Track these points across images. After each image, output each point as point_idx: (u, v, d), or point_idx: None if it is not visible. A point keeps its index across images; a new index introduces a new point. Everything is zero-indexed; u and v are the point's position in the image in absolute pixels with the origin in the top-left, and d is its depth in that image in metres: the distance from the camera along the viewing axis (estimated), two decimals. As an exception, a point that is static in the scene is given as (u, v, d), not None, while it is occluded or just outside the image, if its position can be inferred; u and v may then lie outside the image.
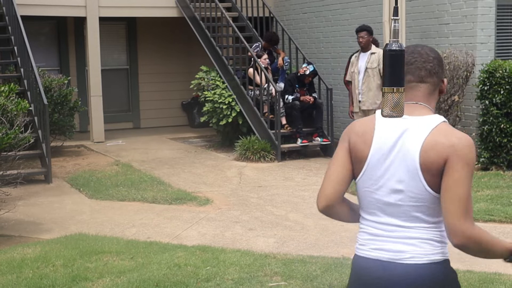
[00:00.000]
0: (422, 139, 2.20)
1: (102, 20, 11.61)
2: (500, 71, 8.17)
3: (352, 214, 2.45)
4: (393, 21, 2.36)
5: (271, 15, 11.98)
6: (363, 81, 8.67)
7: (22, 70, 9.72)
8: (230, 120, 10.52)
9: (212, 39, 11.38)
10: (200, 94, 11.06)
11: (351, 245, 5.85)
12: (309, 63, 10.45)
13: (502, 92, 8.17)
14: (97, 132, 11.61)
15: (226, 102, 10.50)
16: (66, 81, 10.70)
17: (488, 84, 8.31)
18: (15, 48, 9.99)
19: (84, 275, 4.96)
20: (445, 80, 2.39)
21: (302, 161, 9.91)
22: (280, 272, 4.98)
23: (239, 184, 8.43)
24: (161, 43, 13.62)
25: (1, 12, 10.41)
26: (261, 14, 12.00)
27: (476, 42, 8.76)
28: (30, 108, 8.94)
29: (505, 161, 8.28)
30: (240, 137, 10.27)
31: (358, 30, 8.76)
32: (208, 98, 10.63)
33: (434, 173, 2.18)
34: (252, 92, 10.46)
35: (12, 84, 7.81)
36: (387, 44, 2.29)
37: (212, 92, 10.67)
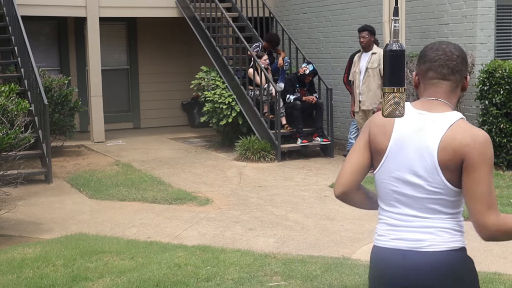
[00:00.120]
0: (440, 136, 2.26)
1: (103, 20, 11.62)
2: (500, 71, 8.18)
3: (368, 201, 2.51)
4: (393, 21, 2.37)
5: (271, 15, 11.99)
6: (363, 81, 8.68)
7: (22, 70, 9.73)
8: (230, 120, 10.53)
9: (212, 39, 11.38)
10: (200, 94, 11.07)
11: (351, 245, 5.87)
12: (308, 63, 10.47)
13: (501, 92, 8.18)
14: (98, 132, 11.62)
15: (226, 102, 10.51)
16: (66, 81, 10.71)
17: (487, 84, 8.33)
18: (16, 48, 10.00)
19: (85, 275, 4.97)
20: (468, 77, 2.42)
21: (302, 161, 9.91)
22: (280, 272, 4.99)
23: (239, 184, 8.43)
24: (161, 43, 13.63)
25: (1, 12, 10.42)
26: (261, 14, 12.01)
27: (475, 42, 8.77)
28: (31, 108, 8.95)
29: (504, 161, 8.29)
30: (240, 137, 10.28)
31: (360, 30, 8.77)
32: (208, 98, 10.64)
33: (453, 169, 2.24)
34: (252, 92, 10.47)
35: (12, 84, 7.82)
36: (387, 45, 2.30)
37: (212, 92, 10.68)
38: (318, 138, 10.21)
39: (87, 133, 12.13)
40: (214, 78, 10.92)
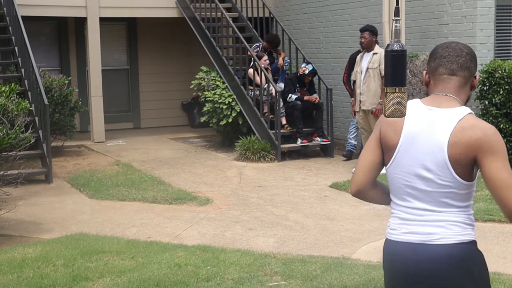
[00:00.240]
0: (449, 131, 2.32)
1: (103, 20, 11.63)
2: (500, 71, 8.19)
3: (386, 197, 2.57)
4: (394, 21, 2.39)
5: (271, 16, 12.00)
6: (364, 81, 8.68)
7: (22, 70, 9.73)
8: (230, 120, 10.54)
9: (212, 40, 11.39)
10: (200, 94, 11.07)
11: (351, 245, 5.88)
12: (308, 63, 10.48)
13: (501, 92, 8.19)
14: (98, 132, 11.63)
15: (226, 102, 10.52)
16: (66, 81, 10.71)
17: (487, 84, 8.33)
18: (16, 48, 10.01)
19: (85, 274, 4.98)
20: (477, 76, 2.49)
21: (302, 161, 9.92)
22: (280, 272, 4.99)
23: (239, 184, 8.44)
24: (162, 43, 13.64)
25: (1, 12, 10.43)
26: (261, 15, 12.02)
27: (475, 42, 8.77)
28: (31, 108, 8.96)
29: (504, 161, 8.29)
30: (240, 137, 10.29)
31: (361, 30, 8.77)
32: (208, 98, 10.65)
33: (463, 163, 2.31)
34: (252, 92, 10.48)
35: (13, 84, 7.82)
36: (388, 45, 2.32)
37: (212, 92, 10.69)
38: (318, 138, 10.22)
39: (87, 133, 12.14)
40: (214, 78, 10.93)
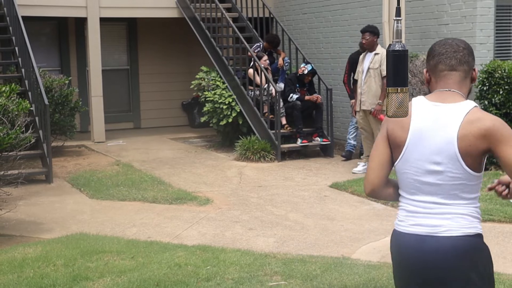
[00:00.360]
0: (457, 124, 2.38)
1: (103, 20, 11.64)
2: (499, 72, 8.20)
3: (398, 192, 2.63)
4: (395, 21, 2.40)
5: (271, 16, 12.01)
6: (364, 81, 8.69)
7: (23, 70, 9.74)
8: (230, 120, 10.55)
9: (212, 40, 11.40)
10: (200, 94, 11.08)
11: (351, 245, 5.89)
12: (307, 63, 10.50)
13: (501, 92, 8.19)
14: (98, 132, 11.64)
15: (226, 102, 10.53)
16: (67, 82, 10.72)
17: (487, 84, 8.34)
18: (16, 48, 10.02)
19: (85, 274, 4.98)
20: (476, 69, 2.55)
21: (302, 161, 9.93)
22: (280, 272, 5.00)
23: (239, 184, 8.45)
24: (162, 43, 13.65)
25: (2, 12, 10.44)
26: (261, 15, 12.03)
27: (475, 42, 8.78)
28: (31, 108, 8.97)
29: (504, 161, 8.30)
30: (240, 137, 10.29)
31: (362, 31, 8.77)
32: (208, 98, 10.66)
33: (474, 154, 2.38)
34: (252, 92, 10.49)
35: (13, 84, 7.83)
36: (390, 45, 2.33)
37: (212, 92, 10.70)
38: (318, 138, 10.23)
39: (87, 133, 12.15)
40: (214, 78, 10.93)
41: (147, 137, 12.31)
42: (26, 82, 9.57)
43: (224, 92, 10.67)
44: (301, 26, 12.26)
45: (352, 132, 9.98)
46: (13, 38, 10.11)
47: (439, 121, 2.43)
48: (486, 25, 8.81)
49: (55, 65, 12.87)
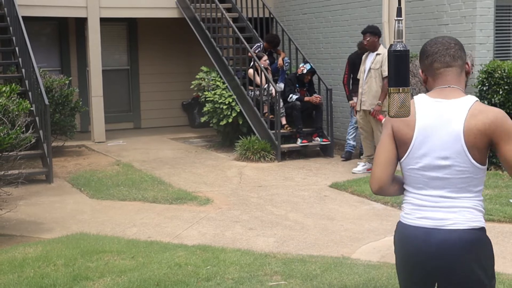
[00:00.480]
0: (462, 119, 2.45)
1: (103, 20, 11.65)
2: (499, 72, 8.21)
3: (402, 188, 2.69)
4: (396, 22, 2.41)
5: (271, 16, 12.01)
6: (365, 81, 8.70)
7: (23, 70, 9.75)
8: (230, 120, 10.56)
9: (212, 40, 11.41)
10: (200, 94, 11.10)
11: (350, 245, 5.90)
12: (305, 62, 10.51)
13: (501, 92, 8.20)
14: (98, 132, 11.65)
15: (226, 103, 10.54)
16: (67, 82, 10.73)
17: (487, 84, 8.35)
18: (17, 48, 10.03)
19: (85, 274, 4.99)
20: (469, 62, 2.62)
21: (302, 161, 9.94)
22: (280, 272, 5.01)
23: (239, 184, 8.46)
24: (162, 43, 13.66)
25: (2, 13, 10.45)
26: (261, 15, 12.04)
27: (475, 42, 8.80)
28: (32, 109, 8.98)
29: (504, 161, 8.30)
30: (240, 137, 10.30)
31: (362, 32, 8.77)
32: (208, 99, 10.67)
33: (480, 147, 2.45)
34: (252, 92, 10.50)
35: (13, 84, 7.84)
36: (391, 45, 2.34)
37: (213, 92, 10.71)
38: (318, 138, 10.24)
39: (87, 133, 12.17)
40: (214, 78, 10.94)
41: (147, 137, 12.32)
42: (27, 82, 9.58)
43: (224, 92, 10.68)
44: (301, 26, 12.27)
45: (351, 133, 9.99)
46: (14, 38, 10.12)
47: (443, 117, 2.49)
48: (485, 25, 8.82)
49: (56, 65, 12.88)
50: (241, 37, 10.83)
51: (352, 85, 9.75)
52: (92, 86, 11.63)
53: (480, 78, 8.39)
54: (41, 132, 8.91)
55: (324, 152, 10.39)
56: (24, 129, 7.43)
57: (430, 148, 2.51)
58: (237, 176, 8.90)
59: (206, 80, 10.95)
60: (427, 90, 2.66)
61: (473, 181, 2.50)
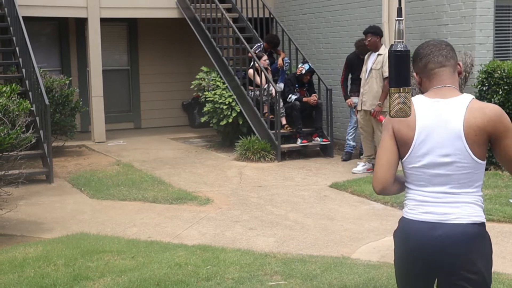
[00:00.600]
0: (461, 117, 2.53)
1: (103, 21, 11.66)
2: (499, 72, 8.21)
3: (403, 186, 2.77)
4: (397, 22, 2.42)
5: (271, 16, 12.02)
6: (366, 81, 8.70)
7: (23, 70, 9.76)
8: (230, 120, 10.57)
9: (212, 40, 11.42)
10: (200, 94, 11.10)
11: (350, 245, 5.90)
12: (304, 62, 10.52)
13: (500, 92, 8.21)
14: (98, 132, 11.66)
15: (227, 103, 10.55)
16: (67, 82, 10.74)
17: (486, 84, 8.36)
18: (17, 48, 10.04)
19: (85, 274, 5.00)
20: (461, 63, 2.70)
21: (302, 161, 9.95)
22: (280, 271, 5.02)
23: (239, 184, 8.47)
24: (162, 43, 13.67)
25: (2, 13, 10.46)
26: (261, 15, 12.04)
27: (474, 42, 8.80)
28: (32, 109, 8.99)
29: (503, 161, 8.31)
30: (240, 137, 10.31)
31: (364, 33, 8.78)
32: (208, 99, 10.68)
33: (480, 143, 2.54)
34: (252, 92, 10.51)
35: (14, 84, 7.85)
36: (392, 45, 2.35)
37: (213, 92, 10.72)
38: (317, 138, 10.24)
39: (88, 133, 12.17)
40: (214, 78, 10.95)
41: (148, 137, 12.33)
42: (27, 82, 9.58)
43: (224, 92, 10.69)
44: (301, 27, 12.28)
45: (351, 133, 9.99)
46: (14, 38, 10.13)
47: (443, 116, 2.57)
48: (485, 25, 8.83)
49: (56, 65, 12.88)
50: (241, 37, 10.84)
51: (351, 84, 9.76)
52: (92, 86, 11.64)
53: (480, 78, 8.40)
54: (41, 132, 8.92)
55: (324, 152, 10.40)
56: (24, 129, 7.44)
57: (431, 146, 2.58)
58: (237, 176, 8.91)
59: (206, 80, 10.96)
60: (421, 92, 2.72)
61: (474, 176, 2.58)
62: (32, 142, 7.77)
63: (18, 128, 6.93)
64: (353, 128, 9.92)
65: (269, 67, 10.64)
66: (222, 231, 6.38)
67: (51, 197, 7.94)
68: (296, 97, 10.28)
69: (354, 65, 9.62)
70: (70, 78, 11.55)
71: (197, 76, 11.12)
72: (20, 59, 9.90)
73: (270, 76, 10.42)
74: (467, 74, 8.70)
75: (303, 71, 10.31)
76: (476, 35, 8.80)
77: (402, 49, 2.36)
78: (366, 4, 10.61)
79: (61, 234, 6.26)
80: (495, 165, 8.32)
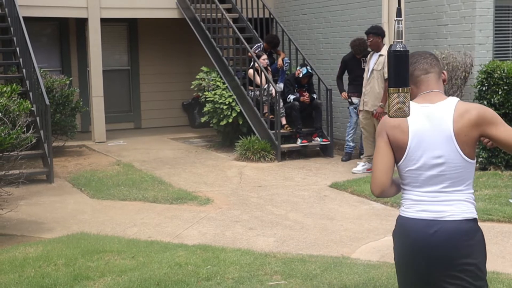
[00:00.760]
0: (450, 119, 2.68)
1: (104, 21, 11.67)
2: (498, 72, 8.22)
3: (400, 188, 2.91)
4: (396, 22, 2.42)
5: (271, 16, 12.03)
6: (368, 82, 8.71)
7: (24, 70, 9.77)
8: (230, 120, 10.57)
9: (212, 40, 11.43)
10: (200, 94, 11.11)
11: (350, 245, 5.91)
12: (302, 66, 10.52)
13: (500, 92, 8.21)
14: (99, 132, 11.67)
15: (227, 103, 10.56)
16: (68, 82, 10.75)
17: (486, 84, 8.36)
18: (17, 49, 10.05)
19: (86, 274, 5.01)
20: (445, 72, 2.92)
21: (302, 161, 9.95)
22: (280, 271, 5.03)
23: (239, 184, 8.48)
24: (162, 44, 13.68)
25: (3, 13, 10.47)
26: (261, 15, 12.05)
27: (474, 43, 8.81)
28: (32, 109, 9.00)
29: (503, 161, 8.33)
30: (240, 137, 10.32)
31: (366, 33, 8.78)
32: (208, 99, 10.69)
33: (470, 143, 2.69)
34: (252, 92, 10.52)
35: (14, 84, 7.86)
36: (391, 45, 2.35)
37: (213, 92, 10.73)
38: (317, 138, 10.25)
39: (88, 133, 12.19)
40: (214, 78, 10.96)
41: (148, 137, 12.34)
42: (27, 82, 9.60)
43: (224, 92, 10.70)
44: (301, 27, 12.29)
45: (350, 134, 9.99)
46: (14, 38, 10.14)
47: (433, 120, 2.71)
48: (485, 25, 8.84)
49: (56, 65, 12.90)
50: (241, 38, 10.85)
51: (349, 85, 9.76)
52: (93, 86, 11.65)
53: (480, 78, 8.40)
54: (41, 132, 8.93)
55: (324, 152, 10.41)
56: (25, 129, 7.45)
57: (425, 149, 2.72)
58: (237, 176, 8.92)
59: (206, 80, 10.97)
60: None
61: (465, 175, 2.73)
62: (32, 142, 7.78)
63: (19, 128, 6.94)
64: (353, 129, 9.92)
65: (269, 67, 10.65)
66: (222, 231, 6.39)
67: (52, 197, 7.95)
68: (294, 97, 10.29)
69: (350, 66, 9.64)
70: (71, 78, 11.56)
71: (197, 76, 11.14)
72: (21, 59, 9.91)
73: (270, 76, 10.43)
74: (466, 74, 8.71)
75: (301, 75, 10.35)
76: (476, 35, 8.81)
77: (401, 49, 2.36)
78: (366, 4, 10.62)
79: (62, 234, 6.27)
80: (495, 165, 8.34)
